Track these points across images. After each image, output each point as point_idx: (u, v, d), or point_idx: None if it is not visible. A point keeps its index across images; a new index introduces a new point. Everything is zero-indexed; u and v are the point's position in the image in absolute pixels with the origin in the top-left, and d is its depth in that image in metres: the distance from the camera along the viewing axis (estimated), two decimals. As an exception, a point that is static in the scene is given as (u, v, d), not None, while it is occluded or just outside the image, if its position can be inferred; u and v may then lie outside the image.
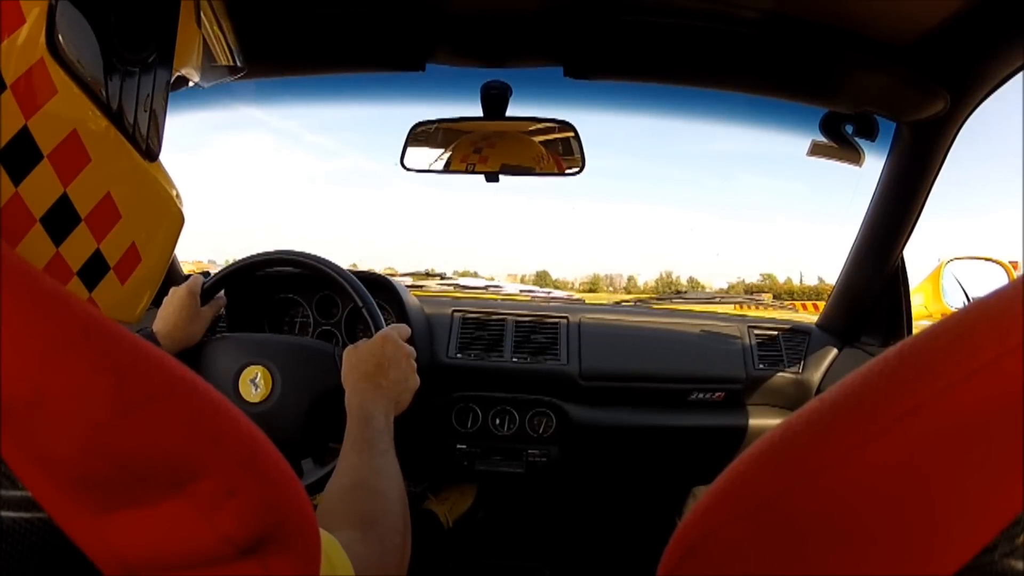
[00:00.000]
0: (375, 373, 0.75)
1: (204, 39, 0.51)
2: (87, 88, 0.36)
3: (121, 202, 0.40)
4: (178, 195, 0.47)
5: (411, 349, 0.81)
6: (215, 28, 0.53)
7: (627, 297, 1.68)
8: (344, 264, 1.02)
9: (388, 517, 0.54)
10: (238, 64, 0.59)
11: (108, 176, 0.39)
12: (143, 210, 0.43)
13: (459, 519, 1.47)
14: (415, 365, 0.80)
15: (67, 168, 0.36)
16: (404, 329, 0.84)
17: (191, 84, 0.52)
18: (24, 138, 0.33)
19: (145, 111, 0.42)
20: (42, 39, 0.33)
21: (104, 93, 0.38)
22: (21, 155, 0.33)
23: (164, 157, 0.45)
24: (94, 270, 0.39)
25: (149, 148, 0.43)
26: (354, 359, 0.77)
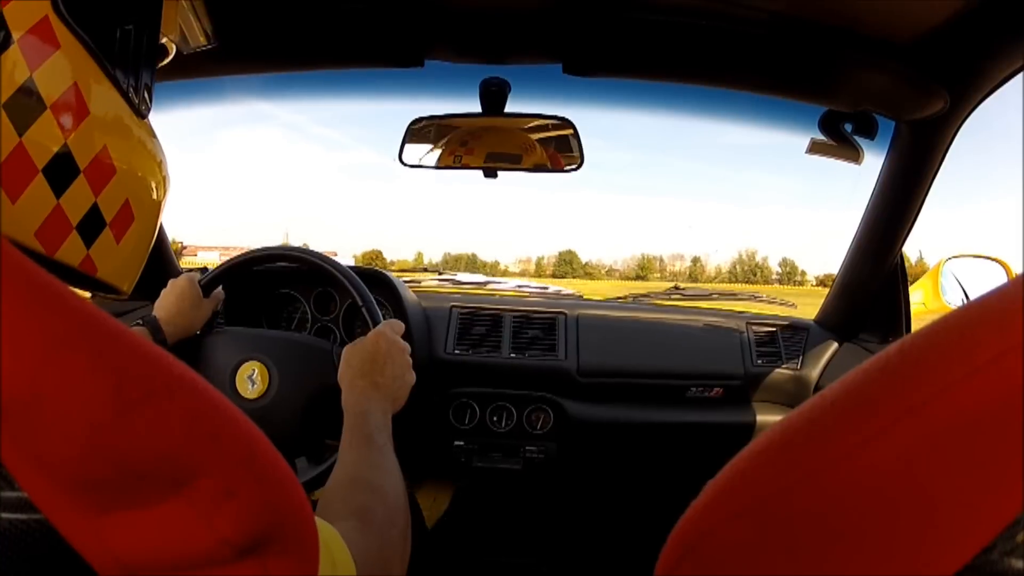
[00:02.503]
0: (371, 371, 0.75)
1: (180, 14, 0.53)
2: (86, 44, 0.38)
3: (116, 157, 0.41)
4: (163, 159, 0.48)
5: (406, 345, 0.81)
6: (190, 8, 0.55)
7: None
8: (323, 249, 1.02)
9: (385, 510, 0.54)
10: (211, 37, 0.61)
11: (105, 130, 0.40)
12: (135, 167, 0.44)
13: (440, 519, 1.47)
14: (411, 361, 0.80)
15: (68, 120, 0.37)
16: (398, 325, 0.84)
17: (172, 54, 0.54)
18: (29, 89, 0.34)
19: (137, 69, 0.43)
20: None
21: (101, 49, 0.39)
22: (25, 106, 0.34)
23: (177, 153, 0.46)
24: (92, 224, 0.40)
25: (141, 106, 0.44)
26: (350, 357, 0.77)
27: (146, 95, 0.45)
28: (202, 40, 0.60)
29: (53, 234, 0.37)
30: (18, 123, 0.34)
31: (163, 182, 0.48)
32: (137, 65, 0.43)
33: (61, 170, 0.37)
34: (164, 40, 0.49)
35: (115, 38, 0.40)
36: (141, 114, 0.44)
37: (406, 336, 0.83)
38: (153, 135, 0.46)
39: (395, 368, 0.77)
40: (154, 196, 0.47)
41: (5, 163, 0.33)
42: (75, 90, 0.37)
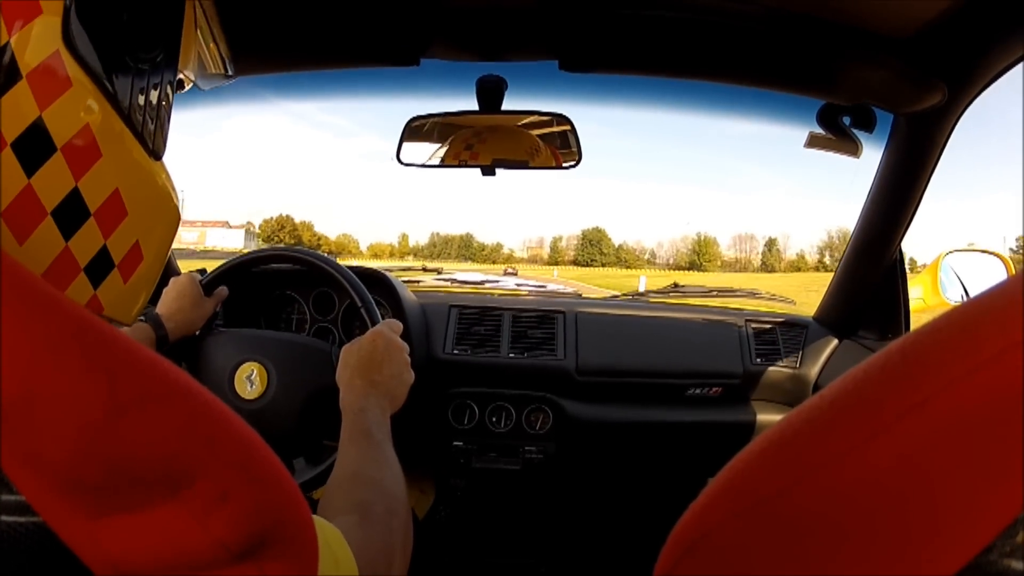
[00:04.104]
0: (369, 369, 0.75)
1: (199, 43, 0.51)
2: (100, 83, 0.36)
3: (128, 199, 0.40)
4: (176, 194, 0.47)
5: (404, 344, 0.80)
6: (208, 36, 0.54)
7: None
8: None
9: (385, 502, 0.54)
10: (229, 71, 0.60)
11: (117, 172, 0.39)
12: (147, 208, 0.43)
13: (425, 517, 1.47)
14: (409, 360, 0.80)
15: (79, 162, 0.35)
16: (396, 324, 0.83)
17: (188, 87, 0.53)
18: (38, 129, 0.33)
19: (153, 109, 0.42)
20: (59, 31, 0.33)
21: (115, 89, 0.38)
22: (35, 146, 0.33)
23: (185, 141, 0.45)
24: (100, 267, 0.39)
25: (156, 146, 0.43)
26: (347, 357, 0.77)
27: (162, 134, 0.43)
28: (220, 71, 0.59)
29: (60, 276, 0.36)
30: (26, 164, 0.32)
31: (173, 221, 0.47)
32: (153, 103, 0.42)
33: (71, 213, 0.35)
34: (181, 75, 0.48)
35: (130, 75, 0.39)
36: (156, 155, 0.43)
37: (404, 336, 0.83)
38: (167, 175, 0.45)
39: (393, 367, 0.76)
40: (163, 236, 0.46)
41: (12, 204, 0.32)
42: (87, 131, 0.35)
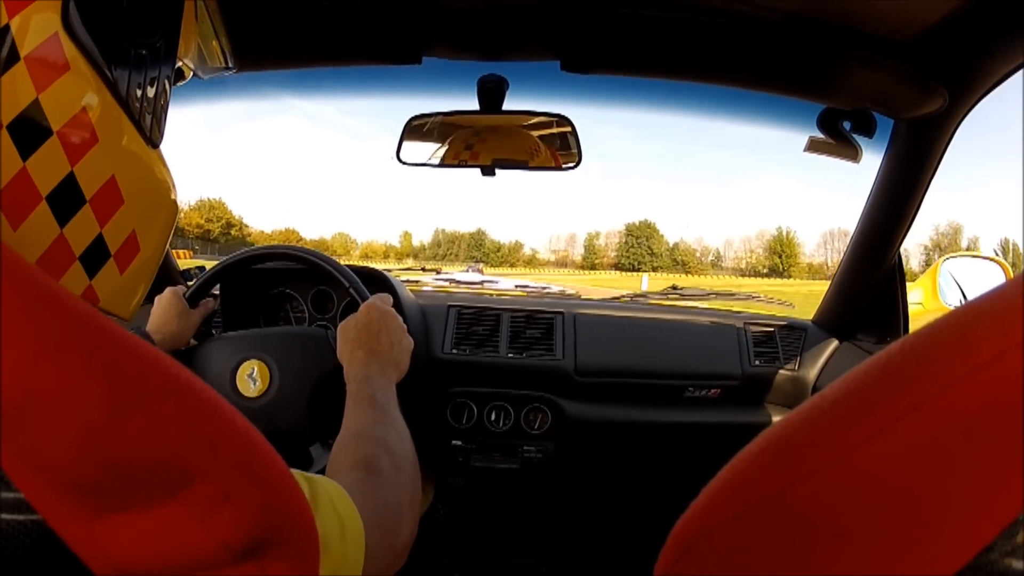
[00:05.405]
0: (367, 339, 0.76)
1: (200, 35, 0.51)
2: (98, 67, 0.36)
3: (125, 187, 0.40)
4: (174, 184, 0.47)
5: (396, 313, 0.82)
6: (210, 29, 0.53)
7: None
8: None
9: (390, 458, 0.54)
10: (229, 63, 0.60)
11: (114, 159, 0.39)
12: (144, 197, 0.43)
13: (424, 515, 1.46)
14: (405, 327, 0.81)
15: (75, 147, 0.35)
16: (387, 297, 0.85)
17: (188, 77, 0.53)
18: (35, 112, 0.32)
19: (151, 96, 0.42)
20: (58, 13, 0.33)
21: (113, 74, 0.37)
22: (31, 129, 0.32)
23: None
24: (95, 256, 0.39)
25: (153, 134, 0.43)
26: (345, 332, 0.79)
27: (159, 123, 0.43)
28: (221, 63, 0.59)
29: (54, 264, 0.36)
30: (22, 147, 0.32)
31: (172, 213, 0.47)
32: (152, 90, 0.41)
33: (66, 199, 0.35)
34: (180, 64, 0.47)
35: (129, 61, 0.39)
36: (153, 143, 0.43)
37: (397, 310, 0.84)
38: (164, 164, 0.45)
39: (391, 334, 0.78)
40: (161, 227, 0.46)
41: (7, 188, 0.32)
42: (84, 116, 0.35)
